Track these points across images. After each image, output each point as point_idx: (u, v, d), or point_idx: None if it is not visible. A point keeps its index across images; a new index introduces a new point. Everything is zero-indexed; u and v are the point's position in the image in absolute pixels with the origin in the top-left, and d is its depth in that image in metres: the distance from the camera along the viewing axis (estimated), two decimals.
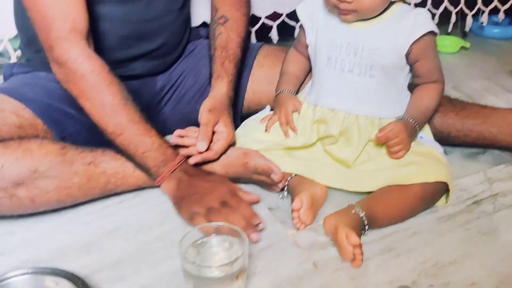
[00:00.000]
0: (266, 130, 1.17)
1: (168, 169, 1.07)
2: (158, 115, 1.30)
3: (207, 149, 1.10)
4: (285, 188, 1.12)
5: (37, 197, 1.03)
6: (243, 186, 1.15)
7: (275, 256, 0.98)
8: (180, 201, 1.06)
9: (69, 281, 0.88)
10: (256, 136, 1.17)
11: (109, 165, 1.09)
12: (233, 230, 0.87)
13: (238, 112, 1.31)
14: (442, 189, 1.07)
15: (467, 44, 1.86)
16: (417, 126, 1.10)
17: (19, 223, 1.07)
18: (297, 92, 1.22)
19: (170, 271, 0.95)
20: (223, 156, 1.13)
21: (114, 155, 1.10)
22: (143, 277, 0.95)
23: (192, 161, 1.09)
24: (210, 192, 1.03)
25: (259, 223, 1.00)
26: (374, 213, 1.02)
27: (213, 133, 1.13)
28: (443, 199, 1.09)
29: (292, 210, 1.03)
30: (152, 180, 1.10)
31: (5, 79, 1.26)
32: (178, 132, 1.14)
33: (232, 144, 1.15)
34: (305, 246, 1.01)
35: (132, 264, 0.98)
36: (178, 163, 1.07)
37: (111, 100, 1.05)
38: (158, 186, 1.14)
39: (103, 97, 1.05)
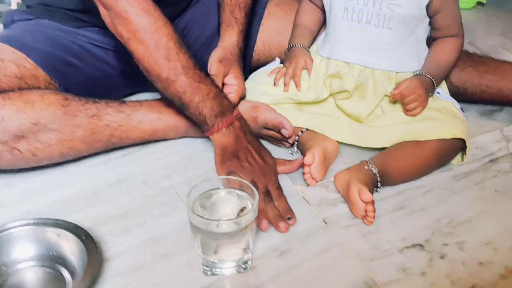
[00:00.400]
0: (274, 84, 1.12)
1: (226, 120, 1.00)
2: None
3: None
4: (295, 143, 1.09)
5: (38, 150, 1.00)
6: None
7: None
8: (230, 157, 0.99)
9: (71, 232, 0.86)
10: (265, 89, 1.13)
11: (113, 117, 1.05)
12: (243, 184, 0.84)
13: (247, 64, 1.26)
14: (458, 147, 1.03)
15: (484, 0, 1.80)
16: (434, 82, 1.05)
17: (19, 175, 1.03)
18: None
19: (176, 224, 0.93)
20: None
21: (118, 107, 1.06)
22: (147, 229, 0.92)
23: None
24: (263, 174, 0.96)
25: (291, 217, 0.93)
26: (387, 170, 0.98)
27: (223, 85, 1.08)
28: (458, 157, 1.06)
29: (303, 166, 1.00)
30: (198, 131, 1.06)
31: (5, 27, 1.21)
32: None
33: (242, 97, 1.11)
34: (315, 203, 0.98)
35: (137, 217, 0.95)
36: (236, 116, 1.02)
37: (166, 43, 0.97)
38: (164, 140, 1.11)
39: (158, 38, 0.97)
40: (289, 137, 1.06)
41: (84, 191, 1.01)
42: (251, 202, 0.81)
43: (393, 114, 1.06)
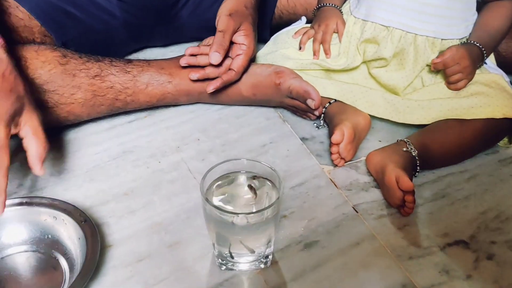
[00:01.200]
0: (300, 49, 0.99)
1: None
2: (174, 21, 1.12)
3: (228, 69, 0.94)
4: (322, 116, 0.97)
5: None
6: (271, 113, 1.00)
7: (309, 196, 0.85)
8: None
9: (69, 215, 0.75)
10: (288, 53, 1.00)
11: (118, 78, 0.93)
12: (266, 168, 0.72)
13: (267, 23, 1.12)
14: (506, 127, 0.91)
15: None
16: (484, 52, 0.92)
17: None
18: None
19: (187, 207, 0.82)
20: (251, 75, 0.96)
21: (124, 67, 0.94)
22: (154, 212, 0.82)
23: (210, 88, 0.93)
24: None
25: None
26: (428, 152, 0.87)
27: (232, 43, 0.94)
28: (505, 139, 0.94)
29: (331, 144, 0.88)
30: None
31: None
32: (190, 50, 0.96)
33: (252, 60, 0.97)
34: (344, 186, 0.86)
35: (143, 196, 0.84)
36: None
37: None
38: (174, 106, 0.99)
39: None
40: (316, 109, 0.94)
41: (84, 163, 0.90)
42: (276, 193, 0.70)
43: (434, 87, 0.94)
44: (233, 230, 0.69)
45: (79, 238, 0.74)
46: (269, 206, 0.67)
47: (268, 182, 0.72)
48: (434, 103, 0.91)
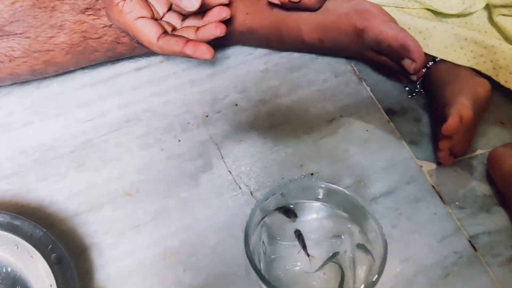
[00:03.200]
0: None
1: None
2: None
3: None
4: (419, 81, 0.66)
5: None
6: (341, 65, 0.69)
7: (401, 216, 0.56)
8: None
9: (35, 247, 0.48)
10: None
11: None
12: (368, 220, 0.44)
13: None
14: None
15: None
16: None
17: None
18: None
19: (219, 223, 0.55)
20: (318, 12, 0.64)
21: None
22: (169, 230, 0.54)
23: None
24: None
25: None
26: None
27: None
28: None
29: (441, 137, 0.58)
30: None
31: None
32: None
33: None
34: (453, 200, 0.58)
35: (153, 200, 0.57)
36: None
37: None
38: None
39: None
40: (415, 71, 0.62)
41: (69, 135, 0.61)
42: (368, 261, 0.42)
43: None
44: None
45: (51, 286, 0.47)
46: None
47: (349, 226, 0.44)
48: None
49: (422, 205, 0.57)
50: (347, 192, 0.44)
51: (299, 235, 0.45)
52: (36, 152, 0.59)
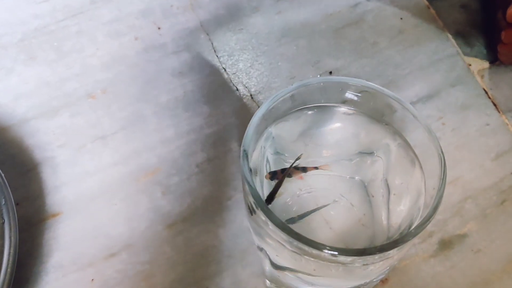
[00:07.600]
0: None
1: None
2: None
3: None
4: None
5: None
6: None
7: (445, 113, 0.44)
8: None
9: None
10: None
11: None
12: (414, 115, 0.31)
13: None
14: None
15: None
16: None
17: None
18: None
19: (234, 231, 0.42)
20: None
21: None
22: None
23: None
24: None
25: None
26: None
27: None
28: None
29: (505, 24, 0.44)
30: None
31: None
32: None
33: None
34: (509, 106, 0.45)
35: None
36: None
37: None
38: None
39: None
40: None
41: (17, 18, 0.47)
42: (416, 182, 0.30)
43: None
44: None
45: None
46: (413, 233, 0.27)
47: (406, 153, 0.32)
48: None
49: (471, 113, 0.44)
50: (387, 92, 0.31)
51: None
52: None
